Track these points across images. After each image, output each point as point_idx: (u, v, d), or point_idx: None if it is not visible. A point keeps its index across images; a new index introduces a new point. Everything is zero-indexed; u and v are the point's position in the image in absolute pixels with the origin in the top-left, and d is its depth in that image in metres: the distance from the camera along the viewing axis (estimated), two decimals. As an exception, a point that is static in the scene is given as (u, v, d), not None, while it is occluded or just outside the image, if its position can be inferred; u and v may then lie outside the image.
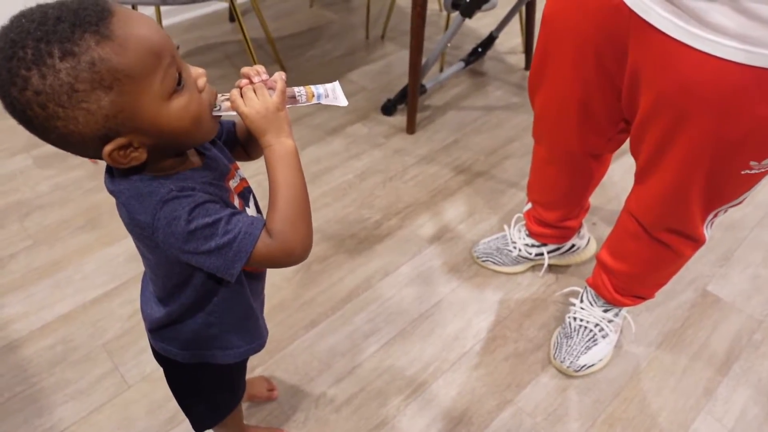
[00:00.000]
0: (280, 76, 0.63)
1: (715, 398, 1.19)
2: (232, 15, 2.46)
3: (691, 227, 0.95)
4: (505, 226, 1.44)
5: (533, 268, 1.43)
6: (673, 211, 0.93)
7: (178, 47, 0.57)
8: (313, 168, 1.72)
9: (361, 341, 1.27)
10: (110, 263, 1.41)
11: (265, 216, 0.62)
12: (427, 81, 1.95)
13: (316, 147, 1.80)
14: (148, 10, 2.18)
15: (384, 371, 1.21)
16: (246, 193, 0.71)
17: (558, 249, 1.38)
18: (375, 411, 1.15)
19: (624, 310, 1.25)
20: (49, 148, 1.74)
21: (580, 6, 0.82)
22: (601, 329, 1.22)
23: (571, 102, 0.96)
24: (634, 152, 0.93)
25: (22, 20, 0.49)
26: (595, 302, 1.23)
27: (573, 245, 1.38)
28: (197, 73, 0.58)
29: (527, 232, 1.37)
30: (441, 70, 2.15)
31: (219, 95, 0.63)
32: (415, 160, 1.77)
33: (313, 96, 0.65)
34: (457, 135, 1.88)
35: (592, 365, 1.21)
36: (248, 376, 1.15)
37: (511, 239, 1.39)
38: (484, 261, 1.41)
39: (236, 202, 0.66)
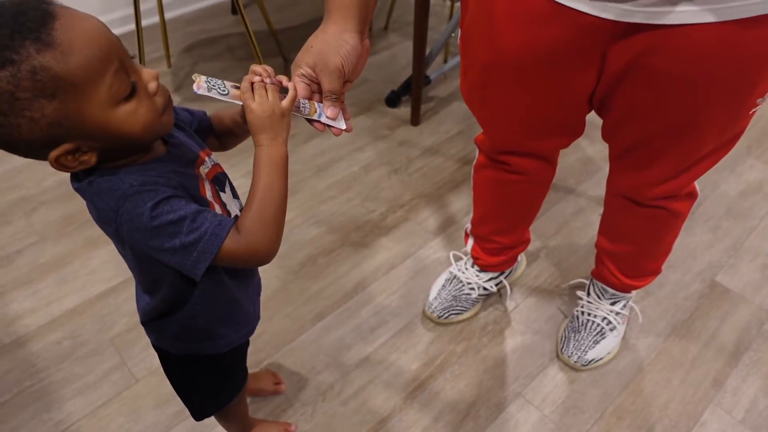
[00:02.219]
0: (292, 85, 0.64)
1: (725, 389, 1.18)
2: (234, 7, 2.45)
3: (689, 188, 0.95)
4: (455, 271, 1.31)
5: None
6: (679, 182, 0.91)
7: (133, 57, 0.56)
8: (317, 160, 1.72)
9: (367, 334, 1.27)
10: (116, 258, 1.41)
11: (243, 202, 0.63)
12: (431, 72, 1.93)
13: (320, 139, 1.79)
14: (151, 3, 2.17)
15: (391, 364, 1.21)
16: (221, 177, 0.70)
17: (511, 270, 1.34)
18: (382, 404, 1.15)
19: (631, 301, 1.24)
20: (53, 143, 1.74)
21: (534, 34, 0.75)
22: (609, 322, 1.21)
23: (530, 119, 0.90)
24: (612, 137, 0.90)
25: None
26: (603, 295, 1.22)
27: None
28: (148, 77, 0.56)
29: (478, 269, 1.28)
30: (445, 60, 2.13)
31: (227, 81, 0.63)
32: (419, 152, 1.76)
33: (316, 112, 0.68)
34: (461, 126, 1.86)
35: (600, 359, 1.20)
36: (255, 369, 1.16)
37: (467, 282, 1.28)
38: (446, 317, 1.27)
39: (207, 188, 0.66)
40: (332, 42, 0.67)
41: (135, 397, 1.15)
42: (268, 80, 0.63)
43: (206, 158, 0.68)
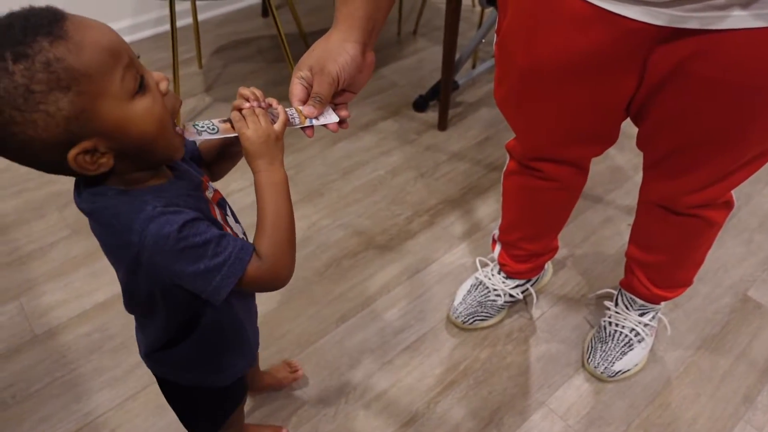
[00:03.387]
0: (281, 108, 0.65)
1: (756, 407, 1.15)
2: (264, 10, 2.48)
3: (726, 196, 0.93)
4: (481, 277, 1.30)
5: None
6: (716, 190, 0.89)
7: (138, 56, 0.57)
8: (344, 163, 1.73)
9: (391, 337, 1.27)
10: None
11: (242, 225, 0.63)
12: (460, 77, 1.93)
13: (347, 142, 1.80)
14: (184, 5, 2.20)
15: (414, 368, 1.21)
16: (222, 202, 0.70)
17: (538, 277, 1.32)
18: (405, 408, 1.14)
19: (660, 313, 1.22)
20: (87, 140, 1.78)
21: (576, 42, 0.74)
22: (637, 334, 1.19)
23: (569, 129, 0.90)
24: (648, 145, 0.89)
25: None
26: (631, 306, 1.20)
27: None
28: (159, 77, 0.57)
29: (505, 275, 1.28)
30: (473, 66, 2.13)
31: (213, 119, 0.63)
32: (446, 156, 1.76)
33: (306, 120, 0.68)
34: (489, 132, 1.86)
35: (627, 371, 1.18)
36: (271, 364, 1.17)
37: (493, 288, 1.27)
38: (471, 323, 1.26)
39: (216, 211, 0.66)
40: (332, 49, 0.67)
41: (161, 392, 1.16)
42: (255, 104, 0.63)
43: (208, 184, 0.68)
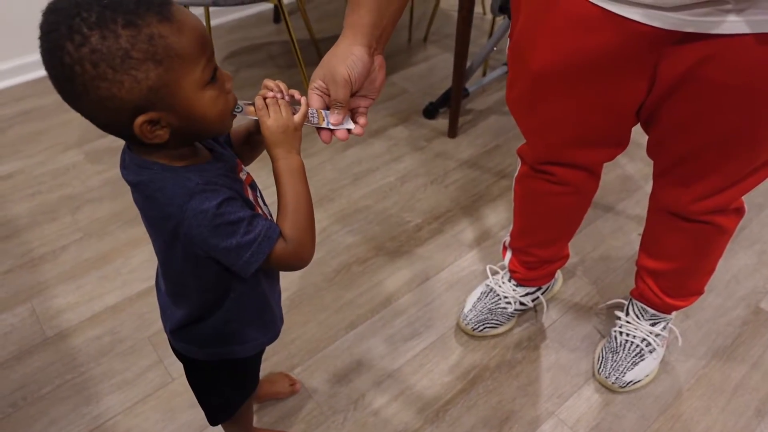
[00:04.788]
0: (304, 100, 0.68)
1: (768, 420, 1.14)
2: (276, 16, 2.50)
3: (737, 203, 0.92)
4: (492, 284, 1.30)
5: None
6: (728, 196, 0.89)
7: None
8: (354, 169, 1.73)
9: (400, 345, 1.27)
10: (156, 258, 1.44)
11: (271, 210, 0.67)
12: (470, 85, 1.93)
13: (357, 148, 1.80)
14: (197, 11, 2.22)
15: (423, 376, 1.21)
16: (254, 185, 0.74)
17: (548, 286, 1.32)
18: (414, 416, 1.14)
19: (671, 324, 1.21)
20: (100, 144, 1.79)
21: (584, 45, 0.75)
22: (648, 344, 1.18)
23: (579, 130, 0.90)
24: (659, 152, 0.89)
25: None
26: (642, 316, 1.20)
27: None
28: (227, 76, 0.62)
29: (515, 283, 1.27)
30: (484, 74, 2.13)
31: (240, 100, 0.67)
32: (456, 164, 1.76)
33: (324, 120, 0.71)
34: (499, 140, 1.86)
35: (639, 381, 1.17)
36: (277, 374, 1.17)
37: (504, 295, 1.27)
38: (481, 330, 1.26)
39: (249, 192, 0.69)
40: (339, 54, 0.70)
41: (171, 395, 1.17)
42: (279, 95, 0.67)
43: (242, 166, 0.71)
